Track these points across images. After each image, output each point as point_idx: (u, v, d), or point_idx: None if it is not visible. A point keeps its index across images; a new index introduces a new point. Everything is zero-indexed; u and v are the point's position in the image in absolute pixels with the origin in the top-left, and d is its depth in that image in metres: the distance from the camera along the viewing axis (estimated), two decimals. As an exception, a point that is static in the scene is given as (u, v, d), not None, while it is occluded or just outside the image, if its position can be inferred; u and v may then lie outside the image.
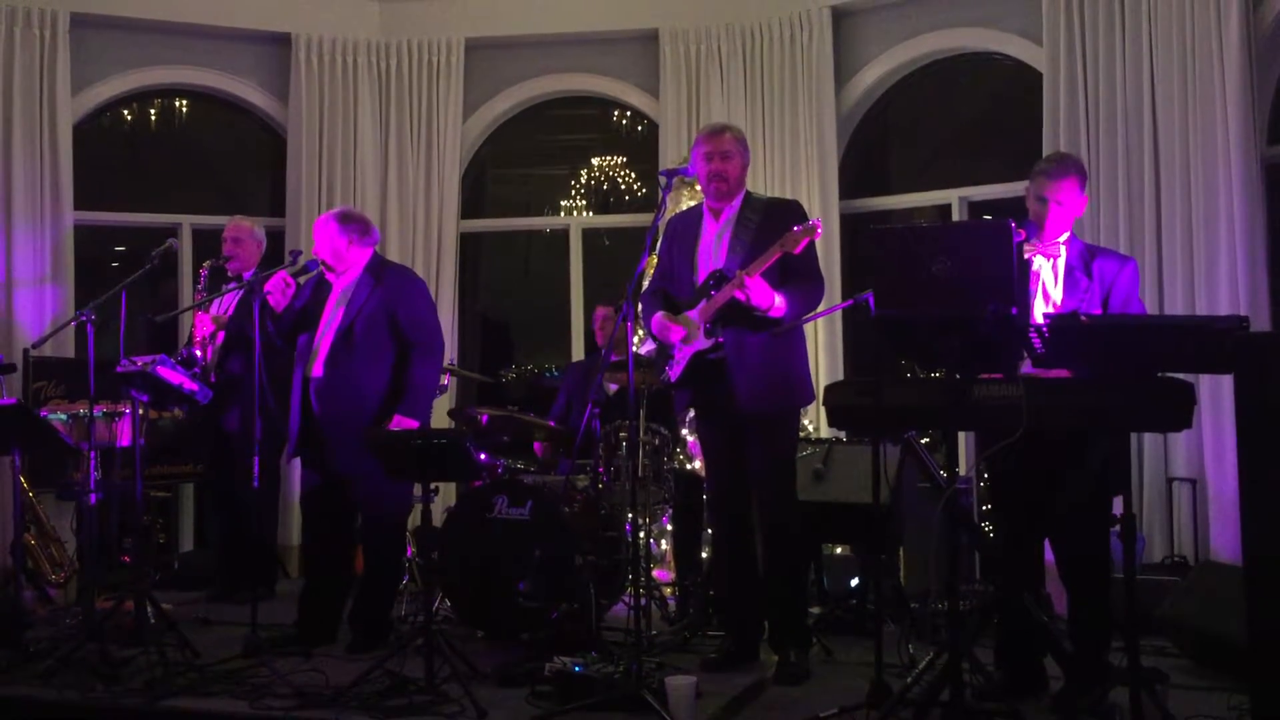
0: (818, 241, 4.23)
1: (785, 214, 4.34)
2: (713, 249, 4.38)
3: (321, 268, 4.84)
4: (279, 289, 4.73)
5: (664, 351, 4.44)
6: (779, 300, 4.18)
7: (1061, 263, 3.86)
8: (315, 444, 4.76)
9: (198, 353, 5.72)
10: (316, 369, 4.75)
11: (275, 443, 5.37)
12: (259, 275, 4.92)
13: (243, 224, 6.09)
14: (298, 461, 5.04)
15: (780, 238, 4.14)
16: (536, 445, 6.12)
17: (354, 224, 4.87)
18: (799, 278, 4.28)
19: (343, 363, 4.71)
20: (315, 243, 4.87)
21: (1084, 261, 3.86)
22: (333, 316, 4.80)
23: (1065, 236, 3.89)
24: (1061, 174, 3.89)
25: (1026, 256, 3.80)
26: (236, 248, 5.98)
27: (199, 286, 6.01)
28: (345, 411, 4.67)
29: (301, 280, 4.88)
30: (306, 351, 4.82)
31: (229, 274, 5.99)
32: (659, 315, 4.39)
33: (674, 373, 4.38)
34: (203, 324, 5.86)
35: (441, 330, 4.97)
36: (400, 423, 4.64)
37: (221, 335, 5.83)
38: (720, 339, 4.26)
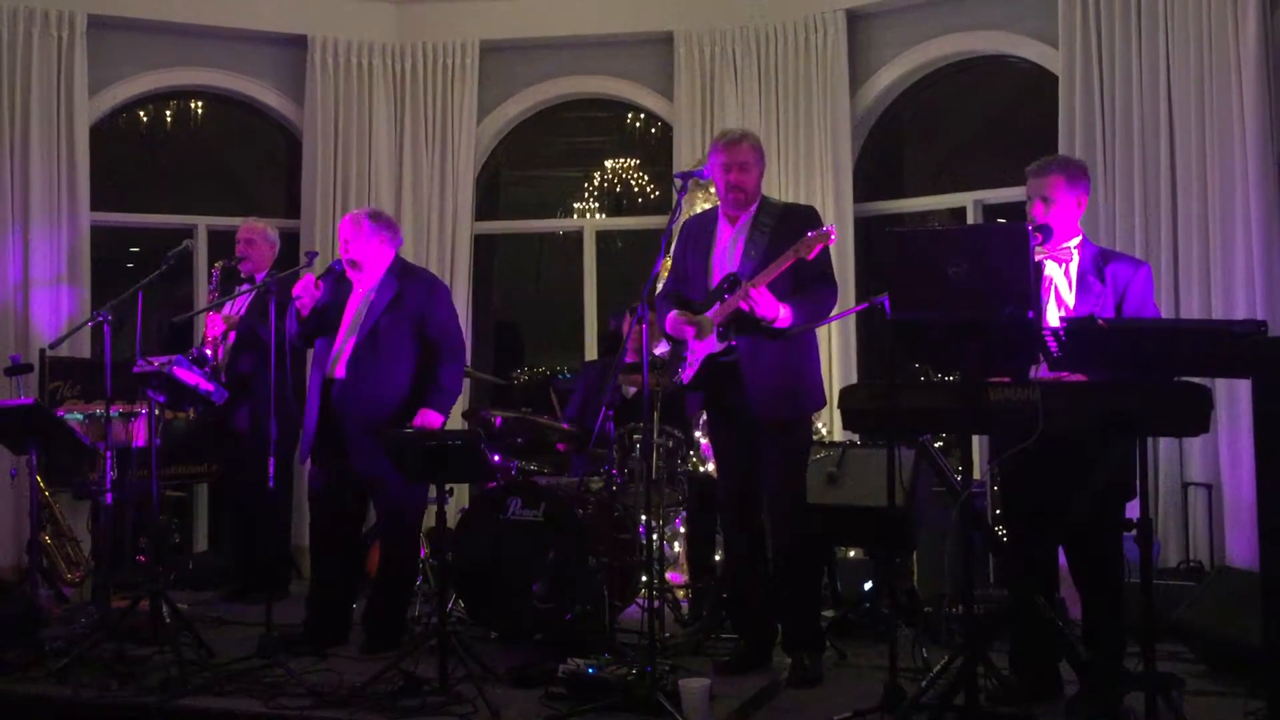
0: (832, 245, 4.23)
1: (800, 220, 4.34)
2: (727, 253, 4.38)
3: (347, 267, 4.80)
4: (308, 293, 4.72)
5: (677, 352, 4.44)
6: (783, 312, 4.17)
7: (1074, 267, 3.83)
8: (332, 444, 4.75)
9: (208, 352, 5.73)
10: (339, 370, 4.74)
11: (291, 443, 5.39)
12: (279, 276, 4.91)
13: (255, 225, 6.11)
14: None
15: (794, 243, 4.14)
16: (560, 444, 6.11)
17: (384, 223, 4.88)
18: (812, 283, 4.28)
19: (366, 364, 4.71)
20: (345, 241, 4.81)
21: (1097, 266, 3.83)
22: (356, 318, 4.80)
23: (1077, 241, 3.87)
24: (1042, 171, 3.88)
25: (1037, 260, 3.78)
26: (249, 249, 6.00)
27: (211, 287, 6.03)
28: (368, 412, 4.67)
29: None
30: (325, 352, 4.82)
31: (241, 275, 6.01)
32: (674, 312, 4.39)
33: (686, 375, 4.38)
34: (214, 324, 5.86)
35: (463, 334, 4.97)
36: (425, 415, 4.66)
37: (233, 335, 5.85)
38: (733, 342, 4.26)
